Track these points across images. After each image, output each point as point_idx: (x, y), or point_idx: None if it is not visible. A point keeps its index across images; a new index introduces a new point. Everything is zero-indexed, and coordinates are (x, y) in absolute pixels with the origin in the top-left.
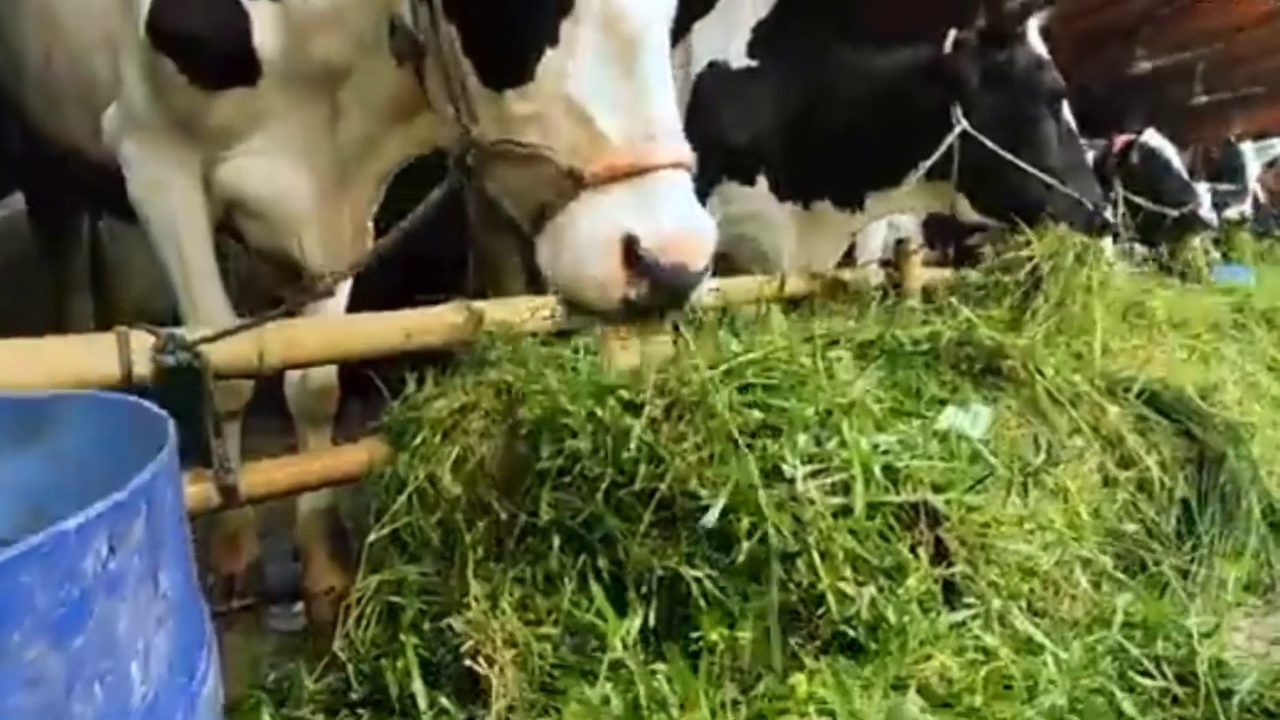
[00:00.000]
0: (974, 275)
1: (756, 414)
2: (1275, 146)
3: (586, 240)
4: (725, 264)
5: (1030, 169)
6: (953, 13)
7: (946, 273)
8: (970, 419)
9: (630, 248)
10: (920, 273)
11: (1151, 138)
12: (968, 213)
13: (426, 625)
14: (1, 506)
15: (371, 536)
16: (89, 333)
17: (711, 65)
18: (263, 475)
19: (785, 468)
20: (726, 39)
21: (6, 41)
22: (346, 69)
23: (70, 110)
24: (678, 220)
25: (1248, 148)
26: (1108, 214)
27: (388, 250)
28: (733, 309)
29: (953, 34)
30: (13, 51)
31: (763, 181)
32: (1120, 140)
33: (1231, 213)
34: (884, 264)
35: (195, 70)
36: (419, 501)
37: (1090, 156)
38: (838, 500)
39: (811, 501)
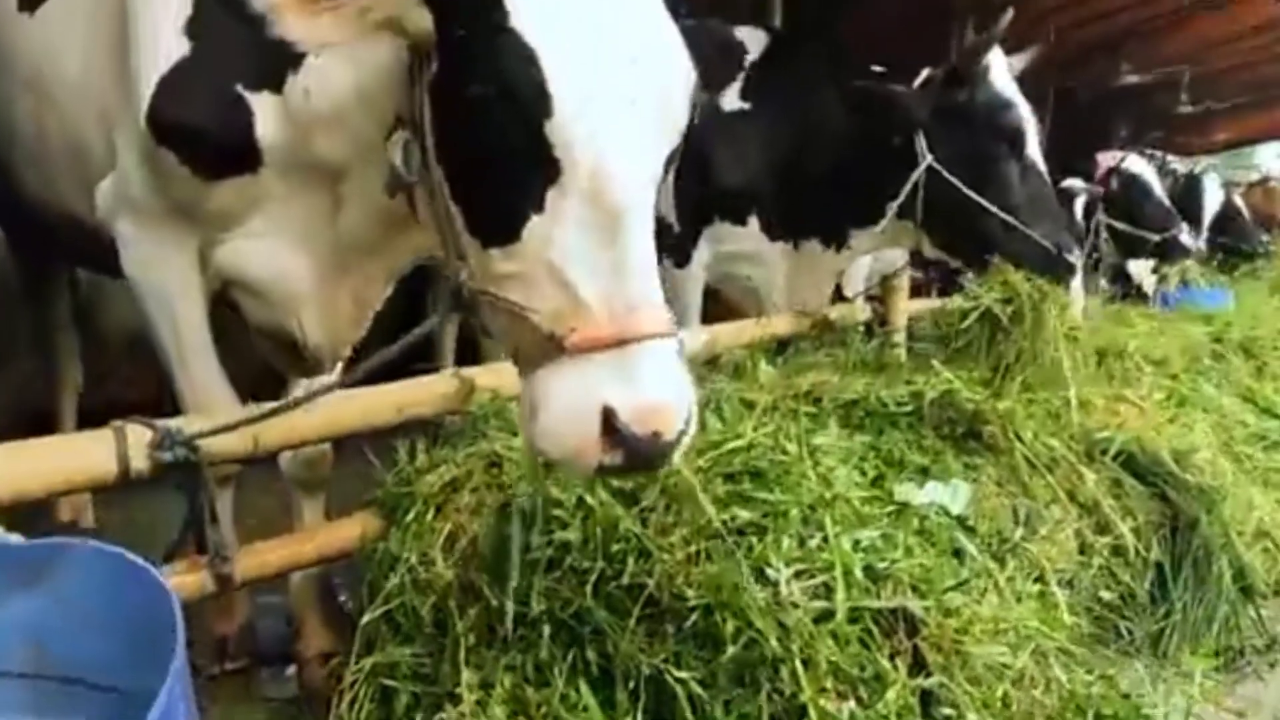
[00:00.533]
0: (957, 302)
1: (744, 513)
2: (1257, 166)
3: (565, 407)
4: (716, 301)
5: (988, 207)
6: (929, 51)
7: (933, 303)
8: (950, 494)
9: (608, 419)
10: (906, 307)
11: (1133, 164)
12: (929, 250)
13: (419, 717)
14: (7, 642)
15: (366, 617)
16: (79, 414)
17: (704, 106)
18: (257, 559)
19: (770, 571)
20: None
21: None
22: (346, 167)
23: (61, 178)
24: (656, 392)
25: (1210, 181)
26: (1072, 255)
27: (374, 370)
28: (722, 354)
29: (924, 72)
30: (1, 115)
31: (754, 221)
32: (1103, 166)
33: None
34: (870, 298)
35: (197, 162)
36: (412, 582)
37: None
38: (820, 604)
39: (795, 605)
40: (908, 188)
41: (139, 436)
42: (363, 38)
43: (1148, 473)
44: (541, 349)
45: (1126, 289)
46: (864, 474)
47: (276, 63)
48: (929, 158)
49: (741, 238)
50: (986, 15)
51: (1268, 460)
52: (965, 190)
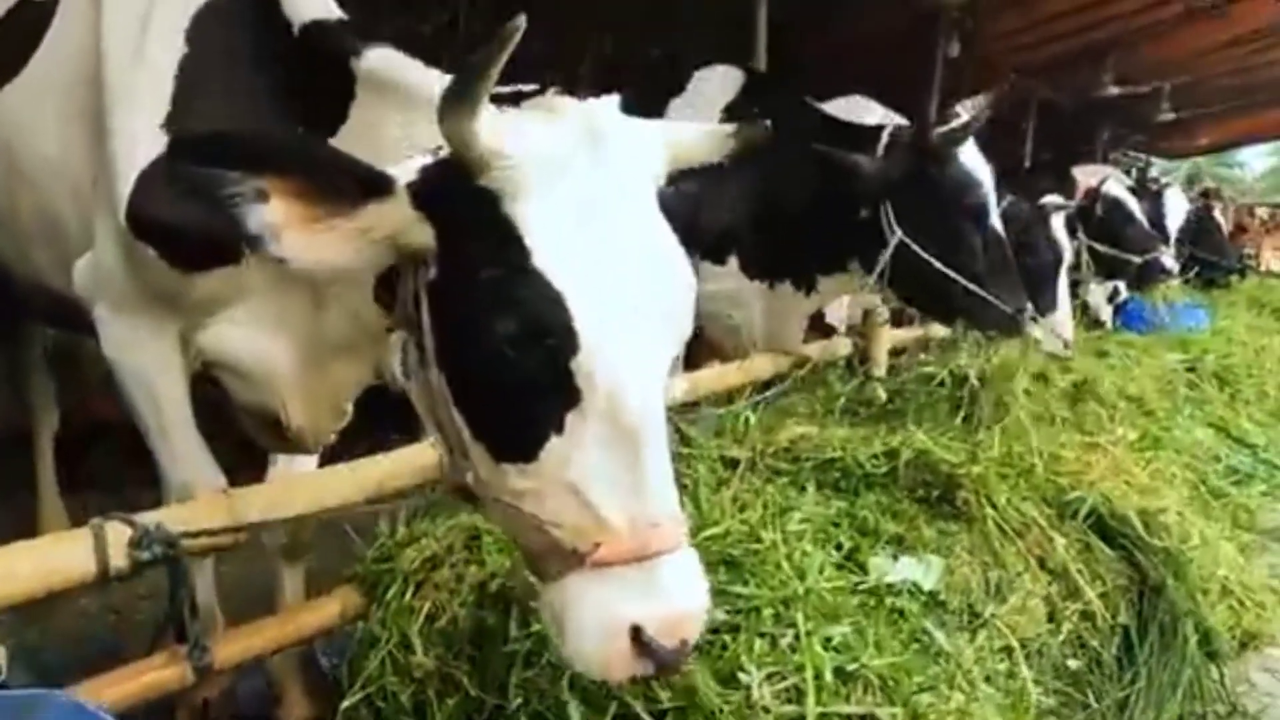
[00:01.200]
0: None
1: (718, 613)
2: (1241, 163)
3: (594, 624)
4: (698, 337)
5: (953, 276)
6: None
7: (915, 332)
8: (923, 570)
9: (637, 634)
10: (887, 339)
11: (1113, 188)
12: (893, 299)
13: None
14: None
15: (346, 701)
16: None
17: None
18: (238, 645)
19: (742, 675)
20: (700, 123)
21: None
22: (330, 280)
23: (36, 251)
24: (681, 603)
25: (1173, 195)
26: (1027, 319)
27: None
28: (703, 401)
29: (886, 133)
30: None
31: (733, 261)
32: (1084, 189)
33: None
34: (851, 331)
35: (176, 257)
36: (392, 665)
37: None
38: (792, 709)
39: (766, 710)
40: (880, 265)
41: (118, 535)
42: (362, 257)
43: (1117, 534)
44: (563, 560)
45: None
46: (839, 547)
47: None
48: (898, 233)
49: (722, 277)
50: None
51: (1239, 495)
52: (932, 261)
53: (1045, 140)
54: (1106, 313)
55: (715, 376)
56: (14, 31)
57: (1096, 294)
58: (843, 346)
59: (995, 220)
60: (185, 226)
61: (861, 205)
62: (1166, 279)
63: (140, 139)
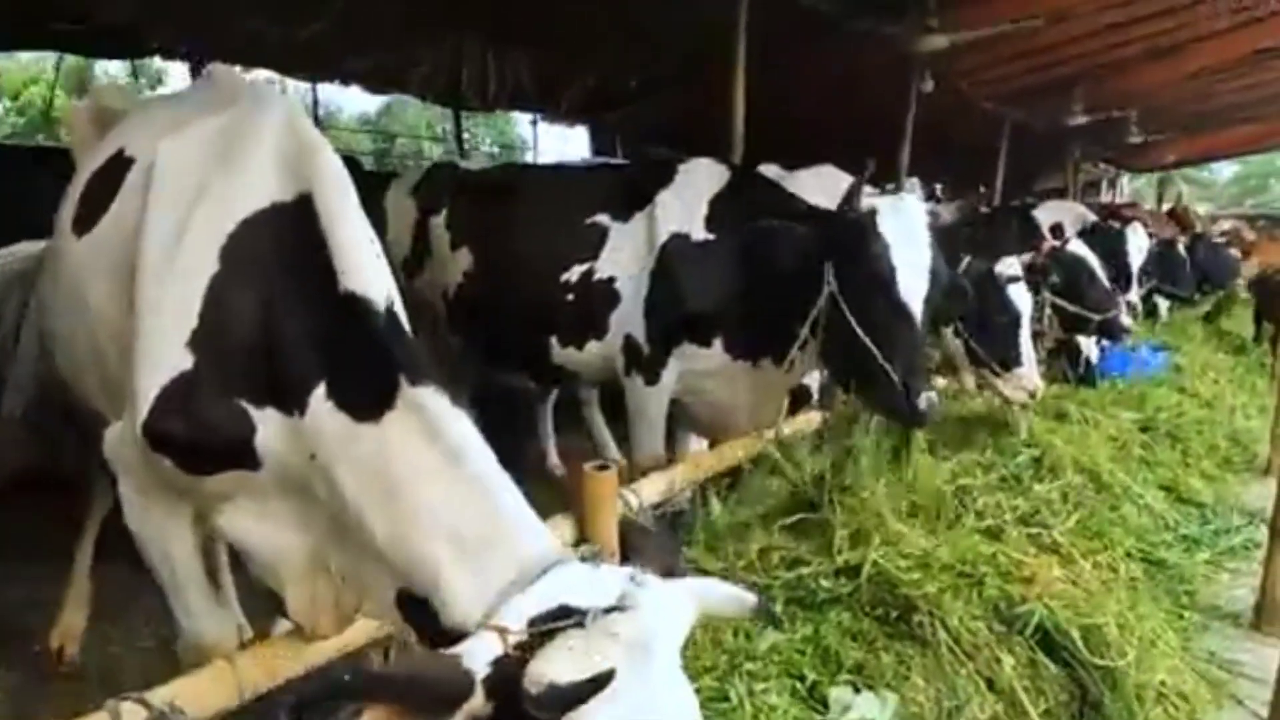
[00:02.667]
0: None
1: None
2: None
3: None
4: (679, 409)
5: (862, 348)
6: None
7: None
8: (879, 707)
9: None
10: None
11: (1076, 246)
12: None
13: None
14: None
15: None
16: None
17: (675, 237)
18: None
19: None
20: (687, 213)
21: (46, 306)
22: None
23: (87, 375)
24: None
25: (1133, 235)
26: (923, 404)
27: None
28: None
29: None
30: (49, 317)
31: (718, 342)
32: (1047, 247)
33: (1130, 298)
34: (822, 400)
35: (191, 468)
36: None
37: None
38: None
39: None
40: (803, 331)
41: (133, 717)
42: None
43: (1060, 648)
44: None
45: (1075, 364)
46: (803, 679)
47: (279, 381)
48: (823, 294)
49: (706, 358)
50: (939, 66)
51: (1186, 564)
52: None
53: (1018, 159)
54: (1095, 353)
55: (691, 469)
56: (100, 185)
57: (1088, 345)
58: (811, 421)
59: (913, 299)
60: (201, 446)
61: (799, 281)
62: (1124, 336)
63: (163, 352)
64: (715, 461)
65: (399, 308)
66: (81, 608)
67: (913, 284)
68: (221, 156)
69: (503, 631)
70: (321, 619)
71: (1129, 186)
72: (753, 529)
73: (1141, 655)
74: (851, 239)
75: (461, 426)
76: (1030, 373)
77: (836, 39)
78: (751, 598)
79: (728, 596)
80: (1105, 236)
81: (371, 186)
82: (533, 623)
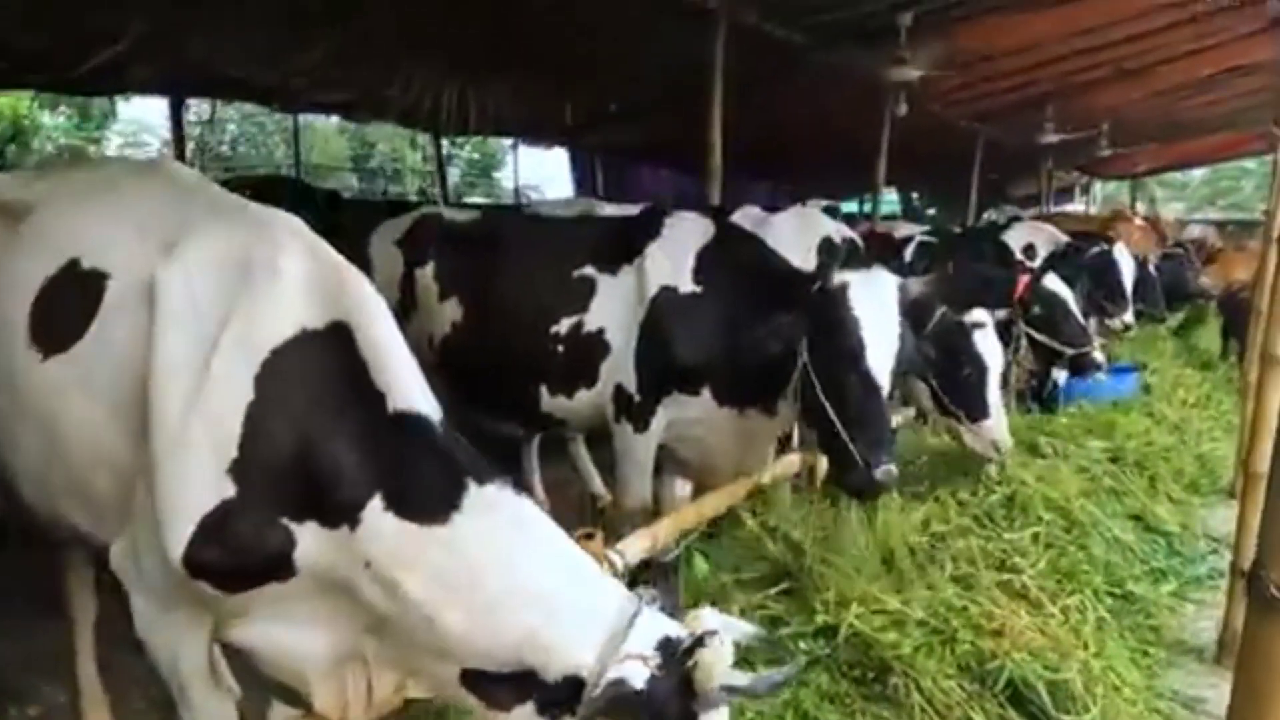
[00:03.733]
0: None
1: None
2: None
3: None
4: (665, 453)
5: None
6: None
7: None
8: None
9: None
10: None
11: (1051, 282)
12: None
13: None
14: None
15: None
16: None
17: (664, 289)
18: None
19: None
20: (675, 267)
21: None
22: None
23: (66, 500)
24: None
25: (1121, 255)
26: (881, 472)
27: None
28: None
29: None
30: (5, 442)
31: (707, 391)
32: (1023, 282)
33: (1114, 323)
34: (803, 445)
35: (230, 588)
36: None
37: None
38: None
39: None
40: (789, 390)
41: None
42: None
43: (1029, 703)
44: None
45: (1042, 389)
46: None
47: (326, 499)
48: (804, 358)
49: (695, 406)
50: (912, 90)
51: (1153, 597)
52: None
53: (992, 169)
54: (1062, 378)
55: (673, 526)
56: (64, 301)
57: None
58: (792, 465)
59: (881, 374)
60: (243, 569)
61: (788, 332)
62: (1096, 371)
63: (201, 481)
64: (697, 514)
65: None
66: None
67: (881, 359)
68: (241, 284)
69: (645, 659)
70: (353, 708)
71: (1101, 191)
72: (733, 590)
73: (1106, 707)
74: (821, 314)
75: (529, 510)
76: (997, 426)
77: (811, 67)
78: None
79: (753, 634)
80: (1097, 257)
81: (355, 216)
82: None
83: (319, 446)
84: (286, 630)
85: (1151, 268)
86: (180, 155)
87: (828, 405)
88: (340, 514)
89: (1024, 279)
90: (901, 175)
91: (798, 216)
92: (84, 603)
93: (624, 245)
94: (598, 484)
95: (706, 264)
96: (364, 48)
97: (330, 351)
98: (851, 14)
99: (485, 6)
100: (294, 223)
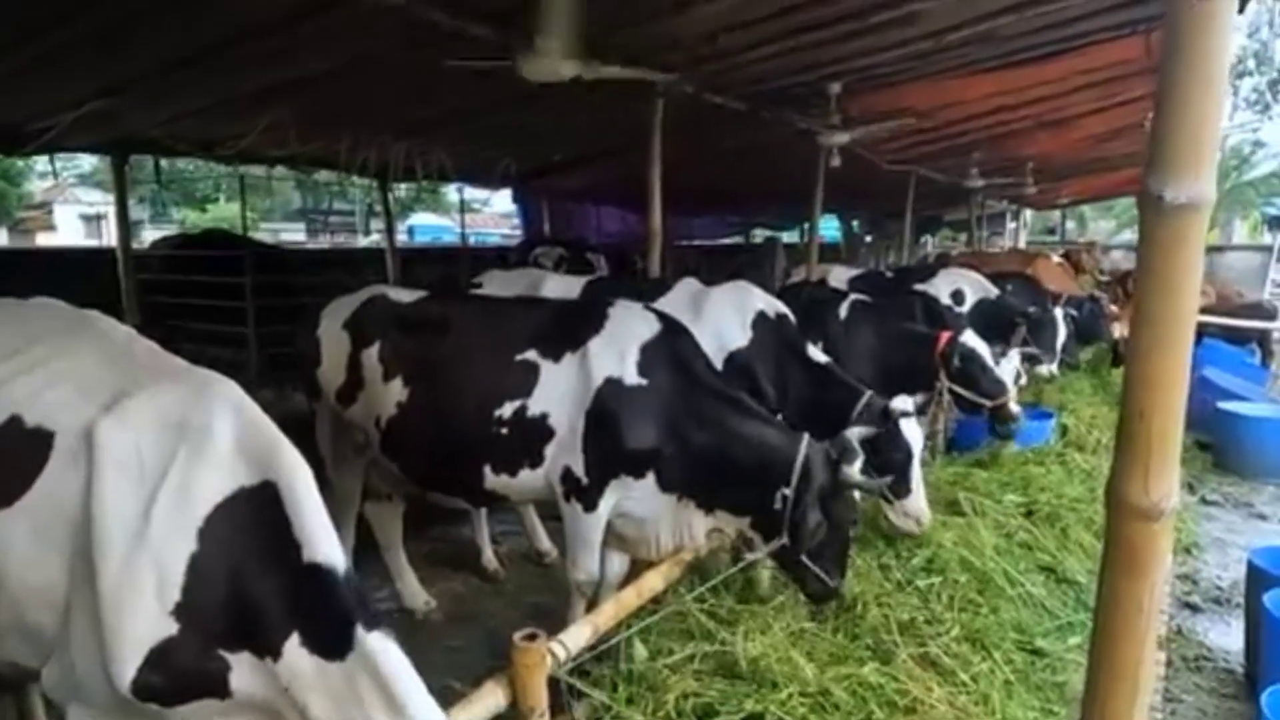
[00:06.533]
0: None
1: None
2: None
3: None
4: (612, 535)
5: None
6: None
7: None
8: None
9: None
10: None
11: (969, 339)
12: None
13: None
14: None
15: None
16: None
17: (609, 380)
18: None
19: None
20: (618, 359)
21: None
22: None
23: (12, 644)
24: None
25: (1059, 314)
26: (840, 583)
27: None
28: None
29: (806, 440)
30: None
31: (651, 476)
32: (944, 338)
33: (1042, 370)
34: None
35: (173, 705)
36: None
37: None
38: None
39: None
40: (770, 547)
41: None
42: None
43: None
44: None
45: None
46: None
47: (256, 635)
48: (784, 493)
49: (639, 488)
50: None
51: (1061, 650)
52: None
53: (926, 201)
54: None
55: (612, 614)
56: (10, 458)
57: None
58: (729, 538)
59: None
60: (183, 690)
61: (769, 473)
62: (1013, 422)
63: (146, 620)
64: (637, 595)
65: (347, 564)
66: None
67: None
68: (181, 444)
69: None
70: None
71: (1033, 214)
72: (668, 676)
73: None
74: (818, 482)
75: (396, 654)
76: (917, 503)
77: (749, 123)
78: None
79: None
80: (1039, 318)
81: (299, 269)
82: None
83: (250, 591)
84: None
85: (1062, 318)
86: (123, 214)
87: (802, 550)
88: (267, 648)
89: (944, 335)
90: (841, 203)
91: (733, 291)
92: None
93: (568, 334)
94: (544, 541)
95: (649, 359)
96: (311, 119)
97: (261, 507)
98: (784, 83)
99: (427, 80)
100: (226, 386)
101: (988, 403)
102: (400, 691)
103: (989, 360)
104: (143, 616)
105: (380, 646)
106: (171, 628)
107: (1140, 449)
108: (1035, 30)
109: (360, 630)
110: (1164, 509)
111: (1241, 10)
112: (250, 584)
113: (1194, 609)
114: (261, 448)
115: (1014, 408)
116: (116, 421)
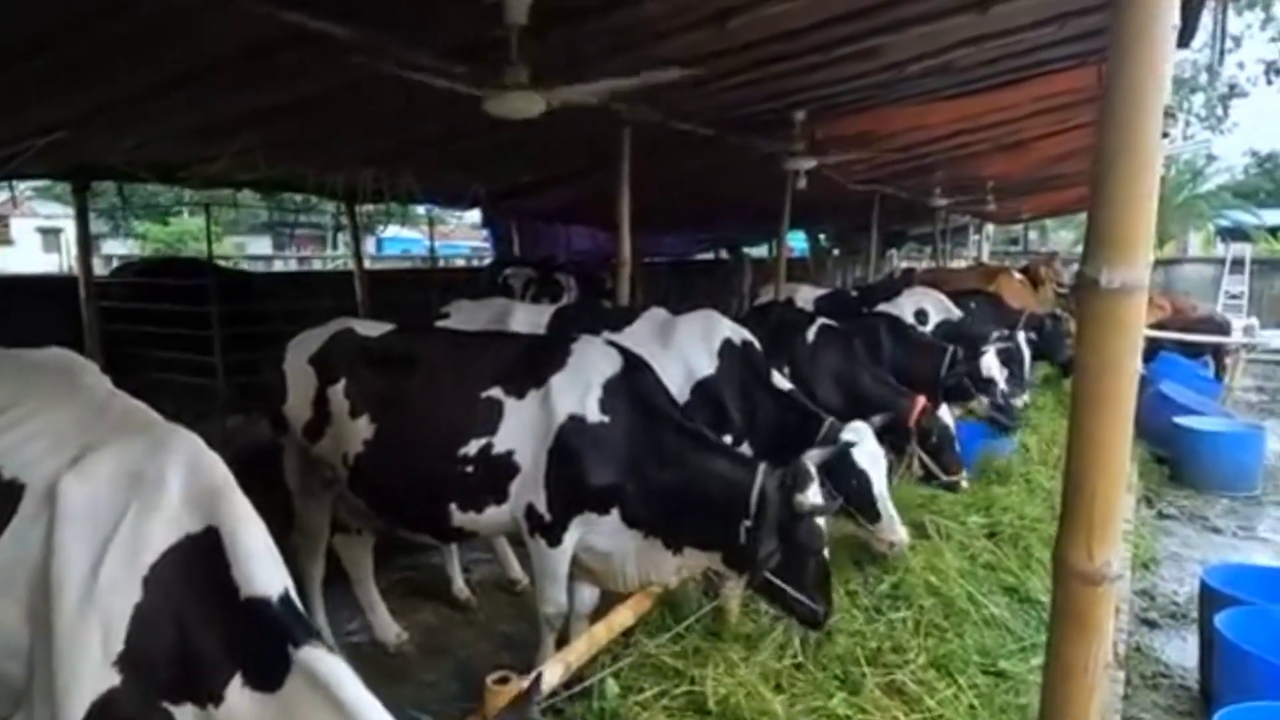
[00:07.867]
0: None
1: None
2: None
3: None
4: (575, 563)
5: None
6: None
7: None
8: None
9: None
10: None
11: (944, 414)
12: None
13: None
14: None
15: None
16: None
17: (571, 418)
18: None
19: None
20: (582, 395)
21: None
22: None
23: None
24: None
25: (1025, 345)
26: (824, 612)
27: None
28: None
29: (762, 470)
30: None
31: (615, 511)
32: (918, 407)
33: (1016, 402)
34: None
35: None
36: None
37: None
38: None
39: None
40: (752, 577)
41: None
42: None
43: None
44: None
45: None
46: None
47: (198, 684)
48: (746, 524)
49: (604, 524)
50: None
51: (1023, 671)
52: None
53: (892, 215)
54: None
55: (584, 650)
56: None
57: None
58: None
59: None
60: None
61: (728, 506)
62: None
63: (91, 671)
64: (608, 630)
65: (284, 586)
66: None
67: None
68: (134, 497)
69: None
70: None
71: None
72: (639, 714)
73: None
74: (773, 510)
75: (336, 666)
76: (891, 525)
77: (716, 147)
78: None
79: None
80: (1007, 350)
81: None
82: None
83: (191, 638)
84: None
85: (1024, 340)
86: (84, 242)
87: (780, 580)
88: (210, 696)
89: (920, 403)
90: (809, 218)
91: (700, 320)
92: None
93: (531, 370)
94: (515, 569)
95: (611, 395)
96: (279, 145)
97: (202, 553)
98: (750, 111)
99: (391, 110)
100: (183, 439)
101: (944, 476)
102: (346, 698)
103: (954, 437)
104: (88, 667)
105: (314, 656)
106: (114, 679)
107: (1083, 518)
108: (991, 60)
109: (291, 649)
110: (1107, 574)
111: (1184, 45)
112: (192, 632)
113: (1151, 625)
114: (208, 494)
115: (964, 484)
116: (77, 476)
